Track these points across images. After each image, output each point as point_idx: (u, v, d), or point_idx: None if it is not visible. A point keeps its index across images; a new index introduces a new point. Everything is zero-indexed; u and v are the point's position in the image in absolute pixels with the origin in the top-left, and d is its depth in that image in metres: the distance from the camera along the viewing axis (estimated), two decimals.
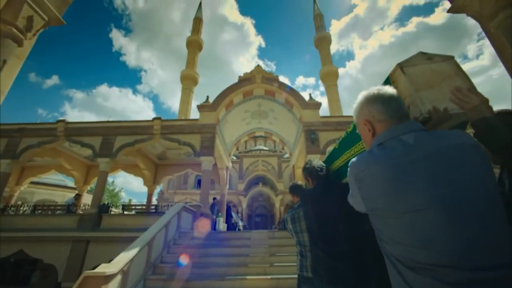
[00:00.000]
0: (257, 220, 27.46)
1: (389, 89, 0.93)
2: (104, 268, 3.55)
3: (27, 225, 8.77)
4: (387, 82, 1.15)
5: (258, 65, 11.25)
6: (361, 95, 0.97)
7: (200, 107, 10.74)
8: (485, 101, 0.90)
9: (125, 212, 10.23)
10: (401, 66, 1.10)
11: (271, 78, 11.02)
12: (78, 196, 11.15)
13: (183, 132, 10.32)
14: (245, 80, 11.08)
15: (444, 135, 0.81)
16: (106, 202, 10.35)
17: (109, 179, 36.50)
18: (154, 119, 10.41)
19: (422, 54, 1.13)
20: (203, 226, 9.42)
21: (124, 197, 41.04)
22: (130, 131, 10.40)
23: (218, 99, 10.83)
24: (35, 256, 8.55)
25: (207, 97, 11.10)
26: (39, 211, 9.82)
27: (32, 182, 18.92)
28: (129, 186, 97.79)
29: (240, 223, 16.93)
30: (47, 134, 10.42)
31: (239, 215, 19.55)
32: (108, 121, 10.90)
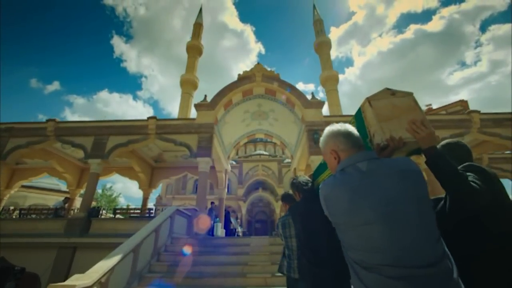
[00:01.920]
0: (257, 226, 26.71)
1: (348, 126, 1.17)
2: (75, 280, 3.00)
3: (10, 231, 8.15)
4: (359, 111, 1.35)
5: (258, 63, 10.83)
6: (327, 130, 1.20)
7: (197, 106, 10.28)
8: (432, 132, 1.10)
9: (117, 216, 9.62)
10: (369, 100, 1.28)
11: (271, 77, 10.59)
12: (67, 200, 10.54)
13: (179, 132, 9.82)
14: (244, 78, 10.65)
15: (391, 163, 1.04)
16: (97, 206, 9.72)
17: (107, 184, 36.08)
18: (149, 118, 9.92)
19: (387, 90, 1.32)
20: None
21: (123, 203, 40.38)
22: (123, 131, 9.90)
23: (216, 98, 10.37)
24: (18, 264, 7.92)
25: (205, 96, 10.65)
26: (25, 215, 9.21)
27: (24, 186, 18.33)
28: (128, 191, 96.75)
29: (240, 229, 16.27)
30: (37, 134, 9.91)
31: (238, 221, 18.86)
32: (100, 121, 10.42)
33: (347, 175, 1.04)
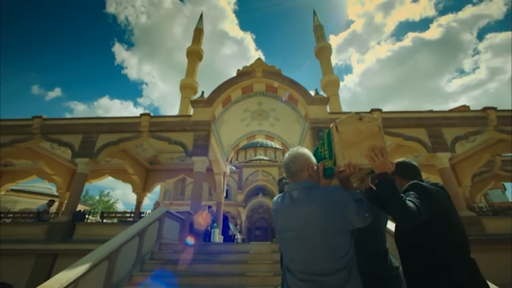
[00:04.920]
0: (257, 233, 25.77)
1: (290, 154, 1.44)
2: None
3: None
4: (329, 133, 1.53)
5: (259, 58, 10.27)
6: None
7: (193, 103, 9.66)
8: (386, 162, 1.30)
9: (105, 221, 8.86)
10: (336, 125, 1.46)
11: (273, 72, 10.01)
12: (52, 202, 9.79)
13: (174, 129, 9.16)
14: (244, 74, 10.06)
15: (318, 194, 1.30)
16: (87, 209, 8.97)
17: (105, 190, 35.35)
18: (142, 115, 9.28)
19: (355, 114, 1.47)
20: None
21: (121, 209, 39.54)
22: (114, 128, 9.25)
23: (214, 94, 9.75)
24: None
25: (202, 92, 10.05)
26: (4, 220, 8.45)
27: (14, 190, 17.61)
28: (127, 198, 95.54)
29: (239, 236, 15.41)
30: (22, 132, 9.25)
31: (238, 227, 17.99)
32: (90, 118, 9.78)
33: (285, 199, 1.38)
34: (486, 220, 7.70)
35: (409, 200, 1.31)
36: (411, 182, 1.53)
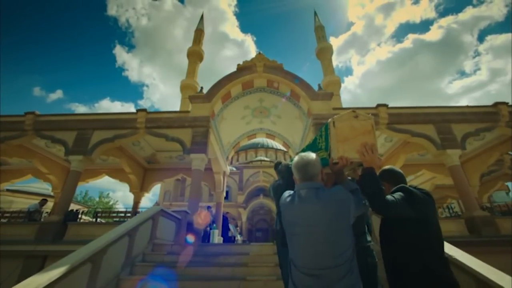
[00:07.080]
0: (258, 235, 25.34)
1: (305, 159, 1.49)
2: None
3: None
4: (326, 126, 1.69)
5: (260, 53, 9.92)
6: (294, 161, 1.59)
7: (192, 98, 9.30)
8: (374, 158, 1.49)
9: (99, 220, 8.48)
10: (333, 120, 1.61)
11: (274, 67, 9.65)
12: (44, 202, 9.44)
13: (172, 126, 8.80)
14: (244, 69, 9.70)
15: (323, 194, 1.38)
16: (75, 209, 8.60)
17: (104, 191, 35.03)
18: (138, 110, 8.93)
19: (352, 112, 1.61)
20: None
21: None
22: (110, 125, 8.90)
23: (213, 90, 9.39)
24: None
25: (201, 87, 9.71)
26: None
27: (10, 190, 17.28)
28: (127, 200, 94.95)
29: (239, 237, 15.02)
30: (14, 128, 8.92)
31: (238, 228, 17.58)
32: (84, 114, 9.48)
33: (295, 197, 1.45)
34: (500, 220, 7.28)
35: (392, 196, 1.50)
36: (399, 185, 1.67)
